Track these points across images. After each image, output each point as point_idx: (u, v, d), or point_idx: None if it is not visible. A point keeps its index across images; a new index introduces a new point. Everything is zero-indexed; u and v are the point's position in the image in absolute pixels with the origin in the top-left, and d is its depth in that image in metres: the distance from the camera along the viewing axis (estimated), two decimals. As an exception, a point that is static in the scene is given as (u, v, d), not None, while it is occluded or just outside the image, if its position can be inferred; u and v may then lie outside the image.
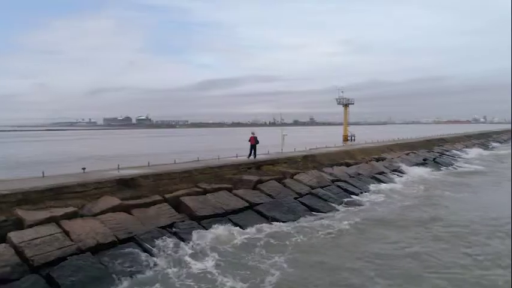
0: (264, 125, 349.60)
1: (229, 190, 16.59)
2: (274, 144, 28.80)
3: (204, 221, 13.55)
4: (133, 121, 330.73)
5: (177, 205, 14.37)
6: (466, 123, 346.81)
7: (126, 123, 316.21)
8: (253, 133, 23.52)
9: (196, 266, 10.46)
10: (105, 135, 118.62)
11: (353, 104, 79.98)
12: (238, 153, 23.21)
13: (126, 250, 10.75)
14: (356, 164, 25.15)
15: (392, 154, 31.09)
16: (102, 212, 12.27)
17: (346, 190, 20.23)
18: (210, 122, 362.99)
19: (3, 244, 9.61)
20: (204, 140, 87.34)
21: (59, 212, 11.35)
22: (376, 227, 14.38)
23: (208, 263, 10.66)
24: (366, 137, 69.31)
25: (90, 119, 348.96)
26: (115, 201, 13.09)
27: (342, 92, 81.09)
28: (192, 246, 11.71)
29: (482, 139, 60.43)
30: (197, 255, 11.15)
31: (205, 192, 15.75)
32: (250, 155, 22.72)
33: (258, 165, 20.35)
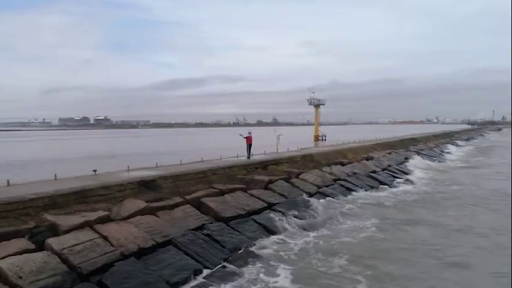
0: (228, 125, 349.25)
1: (244, 190, 16.43)
2: (260, 144, 28.72)
3: (231, 223, 13.34)
4: (91, 121, 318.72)
5: (198, 206, 14.04)
6: (420, 123, 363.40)
7: (83, 123, 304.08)
8: (249, 133, 23.43)
9: (248, 270, 10.26)
10: (64, 136, 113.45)
11: (324, 104, 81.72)
12: (223, 153, 23.14)
13: (169, 254, 10.37)
14: (350, 163, 25.69)
15: (376, 153, 32.02)
16: (131, 216, 11.77)
17: (348, 189, 20.63)
18: (173, 122, 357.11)
19: (45, 252, 8.98)
20: (175, 140, 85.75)
21: (92, 216, 10.76)
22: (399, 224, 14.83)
23: (256, 266, 10.49)
24: (334, 137, 71.09)
25: (44, 119, 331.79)
26: (141, 203, 12.60)
27: (313, 92, 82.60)
28: (231, 248, 11.49)
29: (447, 138, 63.73)
30: (241, 257, 10.94)
31: (222, 193, 15.50)
32: (249, 155, 22.63)
33: (264, 165, 20.29)
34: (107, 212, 11.21)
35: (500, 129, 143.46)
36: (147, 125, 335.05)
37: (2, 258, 8.37)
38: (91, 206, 11.68)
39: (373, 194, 20.54)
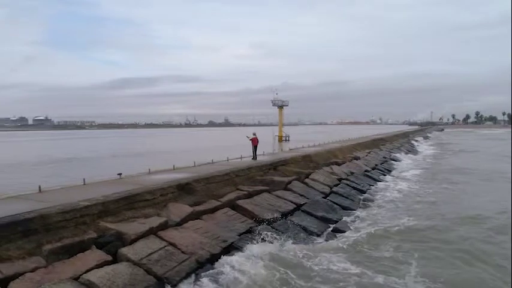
0: (179, 126, 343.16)
1: (268, 191, 16.25)
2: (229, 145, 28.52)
3: (274, 224, 13.14)
4: (30, 122, 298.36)
5: (234, 209, 13.70)
6: (366, 124, 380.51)
7: (21, 124, 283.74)
8: (254, 134, 23.26)
9: (319, 266, 10.13)
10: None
11: (287, 105, 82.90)
12: (229, 155, 22.84)
13: (239, 260, 10.00)
14: (343, 163, 26.28)
15: (359, 153, 33.06)
16: (183, 221, 11.23)
17: (355, 188, 21.10)
18: (121, 122, 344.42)
19: (125, 263, 8.31)
20: (135, 142, 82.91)
21: (153, 223, 10.13)
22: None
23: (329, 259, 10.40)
24: (295, 137, 72.56)
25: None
26: (187, 208, 12.08)
27: (277, 93, 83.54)
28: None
29: (406, 138, 67.38)
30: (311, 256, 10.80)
31: (250, 194, 15.22)
32: (254, 156, 22.44)
33: (274, 166, 20.19)
34: (165, 219, 10.59)
35: (442, 130, 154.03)
36: (93, 125, 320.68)
37: (87, 271, 7.65)
38: (140, 212, 10.99)
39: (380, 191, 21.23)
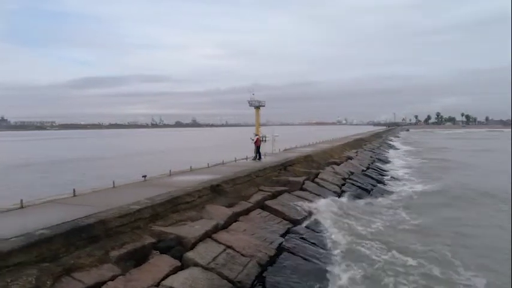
0: (145, 126, 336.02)
1: (288, 192, 16.23)
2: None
3: (304, 224, 13.14)
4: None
5: (263, 210, 13.58)
6: (332, 124, 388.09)
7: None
8: (256, 134, 23.19)
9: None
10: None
11: (264, 106, 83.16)
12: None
13: (291, 261, 9.90)
14: (341, 162, 26.68)
15: (350, 153, 33.70)
16: (226, 223, 11.00)
17: (360, 187, 21.48)
18: (83, 123, 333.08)
19: (196, 268, 8.01)
20: (115, 143, 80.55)
21: (206, 225, 9.85)
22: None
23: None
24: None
25: None
26: (225, 209, 11.85)
27: (253, 94, 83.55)
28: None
29: (381, 138, 69.45)
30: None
31: (273, 195, 15.15)
32: (258, 156, 22.32)
33: (285, 167, 20.19)
34: (215, 221, 10.32)
35: (408, 130, 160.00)
36: (54, 126, 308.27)
37: (164, 278, 7.33)
38: (184, 215, 10.65)
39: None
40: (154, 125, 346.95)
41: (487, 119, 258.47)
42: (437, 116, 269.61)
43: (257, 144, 22.63)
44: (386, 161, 36.75)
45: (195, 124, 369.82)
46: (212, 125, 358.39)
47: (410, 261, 10.06)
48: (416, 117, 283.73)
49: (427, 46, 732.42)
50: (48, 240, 7.02)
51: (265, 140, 77.10)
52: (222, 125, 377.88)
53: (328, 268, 9.95)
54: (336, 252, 11.21)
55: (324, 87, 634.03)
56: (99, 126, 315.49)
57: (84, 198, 10.72)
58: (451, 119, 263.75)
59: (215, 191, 13.07)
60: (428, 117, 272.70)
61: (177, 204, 10.84)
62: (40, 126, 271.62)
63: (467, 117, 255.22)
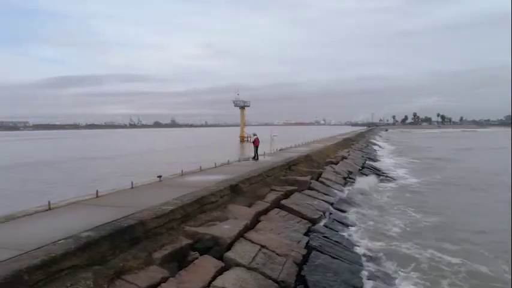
0: (123, 126, 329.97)
1: (298, 191, 16.29)
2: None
3: (325, 223, 13.22)
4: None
5: (280, 209, 13.60)
6: (310, 124, 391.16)
7: None
8: (255, 134, 23.18)
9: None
10: None
11: (249, 106, 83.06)
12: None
13: (321, 259, 9.93)
14: (338, 162, 26.96)
15: (342, 153, 34.09)
16: (252, 223, 10.95)
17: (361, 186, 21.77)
18: (58, 123, 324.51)
19: (239, 268, 7.93)
20: (105, 143, 78.80)
21: (237, 225, 9.77)
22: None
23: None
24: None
25: None
26: (246, 209, 11.84)
27: (238, 94, 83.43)
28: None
29: (364, 138, 70.56)
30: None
31: (286, 194, 15.17)
32: (255, 156, 22.31)
33: (289, 166, 20.24)
34: (246, 221, 10.25)
35: (387, 130, 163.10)
36: (27, 126, 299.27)
37: (213, 279, 7.23)
38: (210, 215, 10.53)
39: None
40: (132, 125, 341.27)
41: (461, 119, 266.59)
42: (414, 116, 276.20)
43: (256, 145, 22.61)
44: (376, 160, 37.38)
45: (174, 124, 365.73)
46: (192, 125, 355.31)
47: (452, 259, 10.16)
48: (394, 117, 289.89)
49: (405, 48, 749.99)
50: (96, 243, 6.81)
51: (249, 140, 77.32)
52: (202, 125, 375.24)
53: (358, 266, 10.06)
54: (359, 250, 11.36)
55: (303, 88, 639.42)
56: (75, 126, 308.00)
57: (107, 199, 10.46)
58: (427, 120, 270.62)
59: (234, 190, 12.98)
60: (406, 118, 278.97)
61: (203, 205, 10.72)
62: (13, 127, 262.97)
63: (443, 117, 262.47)
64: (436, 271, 9.67)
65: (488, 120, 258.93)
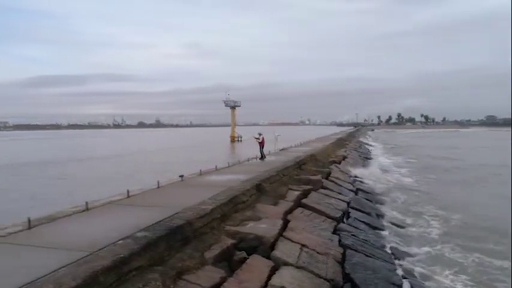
0: (107, 126, 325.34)
1: (314, 190, 16.34)
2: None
3: (347, 222, 13.30)
4: None
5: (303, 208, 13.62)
6: (296, 125, 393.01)
7: None
8: (260, 134, 23.15)
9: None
10: None
11: (239, 106, 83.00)
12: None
13: (357, 258, 9.99)
14: (340, 162, 27.18)
15: (341, 152, 34.36)
16: (284, 222, 10.93)
17: (368, 185, 21.99)
18: (39, 123, 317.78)
19: (289, 267, 7.89)
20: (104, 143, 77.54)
21: (275, 225, 9.73)
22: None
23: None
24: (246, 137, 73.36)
25: None
26: (275, 208, 11.79)
27: (229, 94, 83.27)
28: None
29: (355, 138, 71.32)
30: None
31: (304, 194, 15.20)
32: (262, 156, 22.32)
33: (300, 166, 20.29)
34: (281, 221, 10.23)
35: (373, 130, 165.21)
36: (7, 126, 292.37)
37: (269, 278, 7.18)
38: (243, 215, 10.47)
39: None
40: (116, 126, 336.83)
41: (444, 119, 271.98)
42: (398, 116, 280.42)
43: (262, 144, 22.59)
44: (371, 159, 37.81)
45: (158, 124, 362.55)
46: (177, 125, 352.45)
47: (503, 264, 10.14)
48: (379, 117, 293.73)
49: (390, 49, 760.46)
50: (154, 243, 6.69)
51: (240, 140, 77.21)
52: (187, 126, 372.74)
53: (392, 265, 10.15)
54: (388, 248, 11.46)
55: (289, 88, 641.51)
56: (57, 126, 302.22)
57: (139, 199, 10.30)
58: (411, 120, 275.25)
59: (259, 190, 12.94)
60: (390, 118, 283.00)
61: (236, 204, 10.65)
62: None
63: (426, 117, 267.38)
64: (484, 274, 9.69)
65: (469, 120, 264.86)
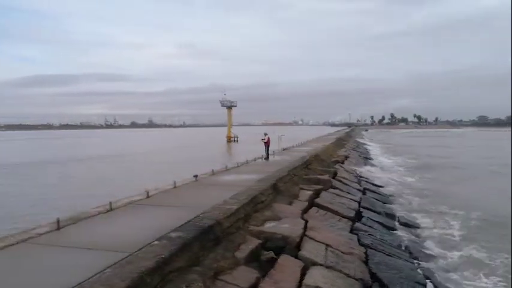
0: (100, 127, 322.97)
1: (324, 190, 16.34)
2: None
3: (361, 221, 13.31)
4: None
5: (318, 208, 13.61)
6: (289, 125, 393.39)
7: None
8: (266, 134, 23.13)
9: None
10: None
11: (236, 106, 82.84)
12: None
13: (380, 257, 10.00)
14: (343, 161, 27.24)
15: (342, 152, 34.46)
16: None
17: (375, 185, 22.07)
18: (31, 123, 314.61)
19: (317, 267, 7.86)
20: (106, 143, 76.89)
21: (298, 225, 9.71)
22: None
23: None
24: (243, 138, 73.24)
25: None
26: (292, 208, 11.81)
27: (225, 94, 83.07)
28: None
29: (351, 138, 71.60)
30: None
31: (316, 194, 15.19)
32: (267, 156, 22.31)
33: (307, 165, 20.28)
34: (303, 221, 10.21)
35: (367, 130, 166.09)
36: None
37: (302, 278, 7.15)
38: (263, 215, 10.40)
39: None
40: (109, 126, 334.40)
41: (436, 119, 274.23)
42: (392, 116, 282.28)
43: (268, 144, 22.58)
44: (371, 159, 37.97)
45: (151, 124, 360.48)
46: (170, 126, 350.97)
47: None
48: (372, 117, 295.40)
49: (383, 50, 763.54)
50: (189, 243, 6.61)
51: (237, 140, 77.08)
52: (180, 126, 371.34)
53: (413, 264, 10.18)
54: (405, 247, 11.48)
55: (283, 88, 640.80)
56: (49, 126, 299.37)
57: (158, 198, 10.20)
58: (404, 120, 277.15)
59: (275, 190, 12.90)
60: (383, 118, 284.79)
61: (256, 204, 10.60)
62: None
63: (419, 118, 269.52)
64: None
65: (461, 120, 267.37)
